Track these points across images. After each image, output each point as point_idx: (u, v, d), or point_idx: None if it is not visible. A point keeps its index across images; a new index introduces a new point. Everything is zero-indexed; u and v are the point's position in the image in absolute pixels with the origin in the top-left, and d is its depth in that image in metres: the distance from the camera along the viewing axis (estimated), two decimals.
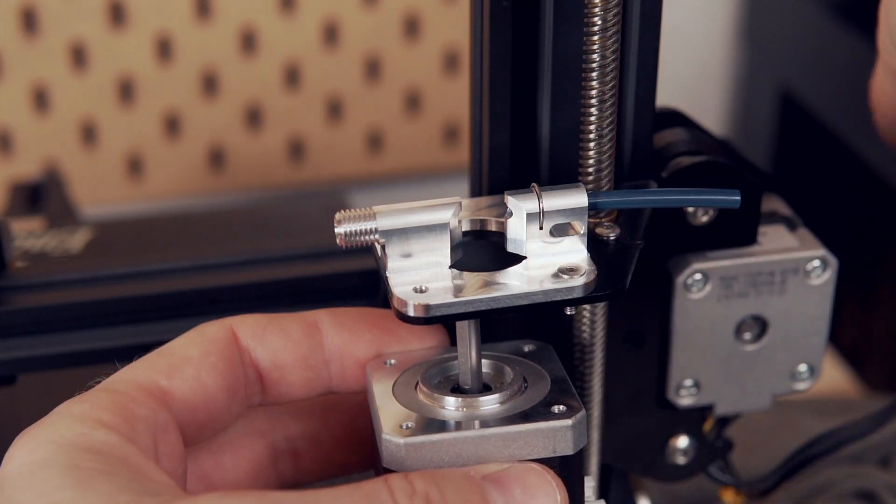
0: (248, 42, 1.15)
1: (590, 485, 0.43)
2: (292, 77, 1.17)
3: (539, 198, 0.41)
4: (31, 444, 0.37)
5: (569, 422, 0.40)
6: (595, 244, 0.43)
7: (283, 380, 0.43)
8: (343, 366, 0.44)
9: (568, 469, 0.40)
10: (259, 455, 0.45)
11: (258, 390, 0.43)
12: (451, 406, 0.41)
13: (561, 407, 0.40)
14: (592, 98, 0.43)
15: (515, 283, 0.40)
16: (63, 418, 0.38)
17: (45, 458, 0.37)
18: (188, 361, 0.41)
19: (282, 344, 0.43)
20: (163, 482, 0.37)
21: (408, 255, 0.41)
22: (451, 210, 0.41)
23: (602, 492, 0.52)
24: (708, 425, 0.51)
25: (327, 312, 0.44)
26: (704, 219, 0.47)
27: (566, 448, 0.40)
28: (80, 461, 0.36)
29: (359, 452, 0.46)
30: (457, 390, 0.42)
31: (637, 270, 0.42)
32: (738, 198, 0.42)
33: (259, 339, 0.43)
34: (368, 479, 0.37)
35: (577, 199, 0.41)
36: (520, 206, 0.41)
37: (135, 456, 0.37)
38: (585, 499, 0.42)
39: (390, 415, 0.40)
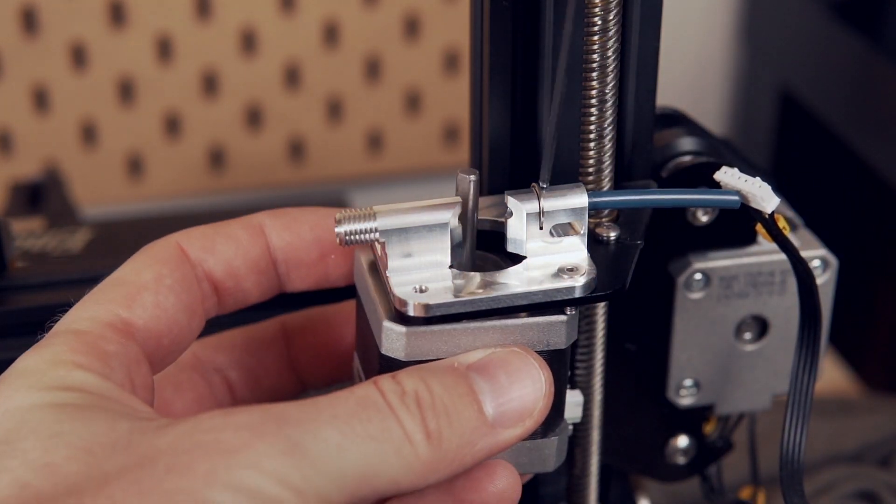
0: (248, 42, 1.15)
1: (575, 399, 0.44)
2: (292, 77, 1.17)
3: (539, 198, 0.41)
4: (7, 392, 0.36)
5: (563, 317, 0.41)
6: (595, 244, 0.43)
7: (238, 287, 0.43)
8: (287, 266, 0.44)
9: (555, 364, 0.41)
10: (198, 387, 0.45)
11: (214, 302, 0.43)
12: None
13: None
14: (592, 98, 0.43)
15: (515, 282, 0.40)
16: (36, 365, 0.37)
17: (30, 401, 0.36)
18: (144, 288, 0.40)
19: (232, 251, 0.43)
20: (149, 412, 0.37)
21: (408, 255, 0.41)
22: (451, 210, 0.41)
23: (602, 492, 0.52)
24: (710, 426, 0.51)
25: (269, 214, 0.44)
26: (705, 219, 0.47)
27: (559, 342, 0.41)
28: (66, 399, 0.36)
29: (287, 377, 0.47)
30: None
31: (637, 270, 0.43)
32: (738, 198, 0.42)
33: (208, 250, 0.42)
34: (361, 384, 0.38)
35: (578, 199, 0.41)
36: (520, 206, 0.41)
37: (116, 392, 0.37)
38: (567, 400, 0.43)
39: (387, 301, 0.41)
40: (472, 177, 0.41)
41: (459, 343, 0.40)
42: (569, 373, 0.43)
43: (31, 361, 0.37)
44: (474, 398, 0.38)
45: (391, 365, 0.40)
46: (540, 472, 0.43)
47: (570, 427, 0.45)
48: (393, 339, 0.40)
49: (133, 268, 0.41)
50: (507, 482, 0.40)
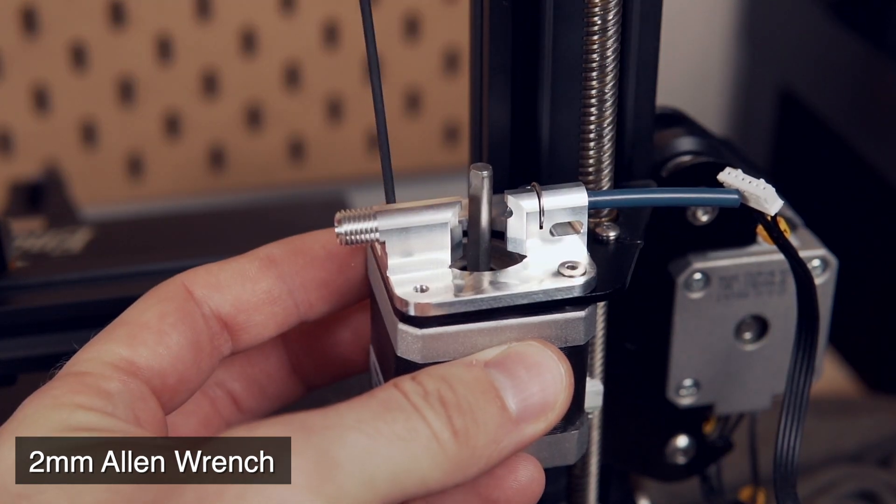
0: (248, 42, 1.15)
1: (595, 388, 0.44)
2: (292, 77, 1.17)
3: (539, 197, 0.41)
4: (13, 442, 0.36)
5: (582, 313, 0.40)
6: (595, 244, 0.43)
7: (251, 321, 0.42)
8: (306, 291, 0.43)
9: (574, 359, 0.41)
10: (202, 406, 0.45)
11: (226, 339, 0.42)
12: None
13: None
14: (592, 98, 0.43)
15: (515, 282, 0.40)
16: (38, 410, 0.37)
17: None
18: (146, 327, 0.40)
19: (239, 286, 0.42)
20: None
21: (408, 255, 0.41)
22: (451, 210, 0.41)
23: (602, 492, 0.52)
24: (710, 426, 0.51)
25: (277, 243, 0.43)
26: (704, 218, 0.47)
27: (577, 339, 0.41)
28: None
29: (291, 381, 0.47)
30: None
31: (637, 270, 0.42)
32: (738, 197, 0.42)
33: (213, 287, 0.42)
34: (381, 387, 0.38)
35: (578, 198, 0.41)
36: (520, 206, 0.41)
37: (121, 426, 0.37)
38: (587, 392, 0.43)
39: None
40: (486, 172, 0.40)
41: (476, 343, 0.40)
42: (587, 366, 0.43)
43: (32, 408, 0.37)
44: (496, 395, 0.38)
45: (407, 367, 0.40)
46: (561, 465, 0.43)
47: (591, 417, 0.45)
48: (409, 342, 0.40)
49: (138, 308, 0.41)
50: (528, 475, 0.40)
